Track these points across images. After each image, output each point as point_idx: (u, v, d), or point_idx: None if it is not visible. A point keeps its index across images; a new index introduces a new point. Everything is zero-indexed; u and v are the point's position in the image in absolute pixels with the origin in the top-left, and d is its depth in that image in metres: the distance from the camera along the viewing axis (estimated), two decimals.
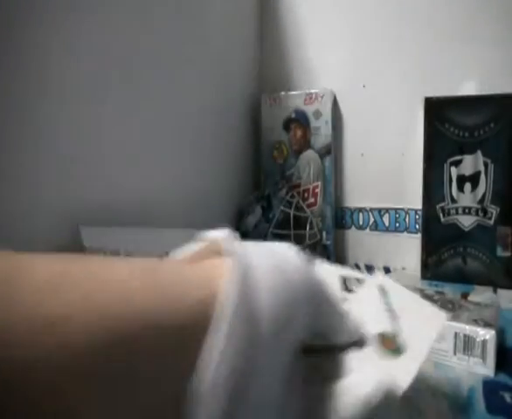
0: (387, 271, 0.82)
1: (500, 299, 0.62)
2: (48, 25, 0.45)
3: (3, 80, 0.41)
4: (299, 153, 0.87)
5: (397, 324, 0.28)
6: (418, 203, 0.75)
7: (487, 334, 0.43)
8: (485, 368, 0.42)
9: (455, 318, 0.48)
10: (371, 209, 0.86)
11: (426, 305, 0.32)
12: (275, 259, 0.23)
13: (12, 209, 0.43)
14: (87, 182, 0.52)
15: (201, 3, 0.73)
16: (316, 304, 0.24)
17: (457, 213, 0.70)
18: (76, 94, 0.49)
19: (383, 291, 0.30)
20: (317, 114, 0.85)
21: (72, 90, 0.49)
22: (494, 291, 0.66)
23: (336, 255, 0.87)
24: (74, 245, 0.47)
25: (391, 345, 0.26)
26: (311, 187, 0.86)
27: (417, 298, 0.33)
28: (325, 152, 0.85)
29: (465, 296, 0.59)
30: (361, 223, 0.87)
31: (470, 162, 0.69)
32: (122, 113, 0.56)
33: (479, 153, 0.69)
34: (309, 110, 0.86)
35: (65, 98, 0.48)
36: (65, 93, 0.48)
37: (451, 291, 0.61)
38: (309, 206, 0.86)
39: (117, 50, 0.54)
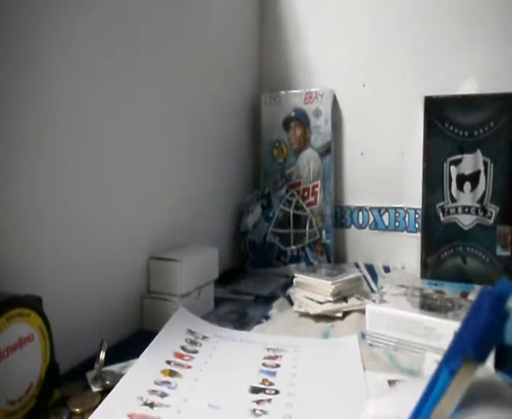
0: (387, 270, 0.82)
1: None
2: (44, 25, 0.45)
3: None
4: (299, 152, 0.87)
5: None
6: (417, 202, 0.75)
7: None
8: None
9: (455, 317, 0.49)
10: (371, 208, 0.86)
11: None
12: None
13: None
14: None
15: (202, 4, 0.73)
16: None
17: (457, 212, 0.70)
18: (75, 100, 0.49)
19: None
20: (317, 113, 0.85)
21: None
22: None
23: (336, 254, 0.87)
24: None
25: None
26: (311, 186, 0.86)
27: None
28: (325, 151, 0.85)
29: (464, 295, 0.59)
30: (360, 221, 0.87)
31: (470, 162, 0.69)
32: (122, 111, 0.56)
33: (478, 152, 0.69)
34: (309, 109, 0.86)
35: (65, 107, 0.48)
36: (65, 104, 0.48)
37: (450, 290, 0.61)
38: (309, 205, 0.86)
39: (117, 50, 0.54)
